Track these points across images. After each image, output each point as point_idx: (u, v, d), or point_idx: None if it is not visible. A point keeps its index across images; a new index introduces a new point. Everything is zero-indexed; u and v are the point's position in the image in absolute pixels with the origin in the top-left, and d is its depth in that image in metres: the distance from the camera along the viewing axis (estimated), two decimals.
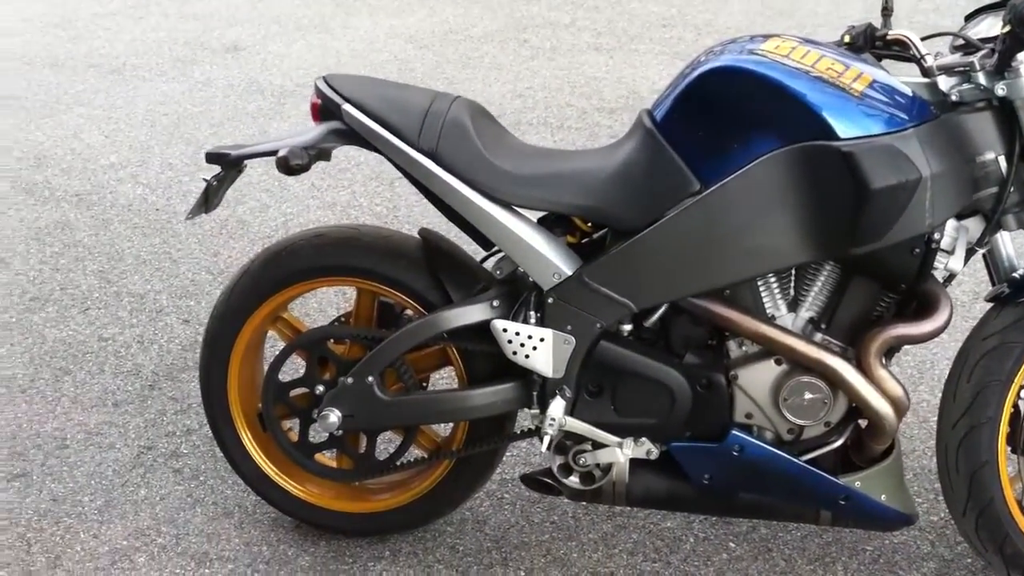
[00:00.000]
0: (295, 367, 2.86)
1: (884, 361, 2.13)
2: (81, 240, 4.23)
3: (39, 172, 4.94)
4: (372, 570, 2.51)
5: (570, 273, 2.17)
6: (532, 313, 2.22)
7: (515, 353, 2.22)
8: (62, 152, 5.17)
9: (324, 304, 3.67)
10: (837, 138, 1.96)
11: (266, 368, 2.47)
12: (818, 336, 2.16)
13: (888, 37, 2.21)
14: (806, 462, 2.18)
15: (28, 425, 3.08)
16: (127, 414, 3.12)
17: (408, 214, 4.33)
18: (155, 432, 3.04)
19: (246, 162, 2.35)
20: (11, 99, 5.97)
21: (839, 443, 2.21)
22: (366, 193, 4.56)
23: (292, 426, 2.52)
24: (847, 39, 2.23)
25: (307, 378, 2.41)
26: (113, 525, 2.67)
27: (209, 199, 2.35)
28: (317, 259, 2.36)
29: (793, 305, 2.18)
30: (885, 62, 2.22)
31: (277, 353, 2.42)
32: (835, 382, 2.12)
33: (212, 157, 2.31)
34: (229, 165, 2.33)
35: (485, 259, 2.41)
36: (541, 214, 2.27)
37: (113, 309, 3.71)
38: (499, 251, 2.29)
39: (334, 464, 2.54)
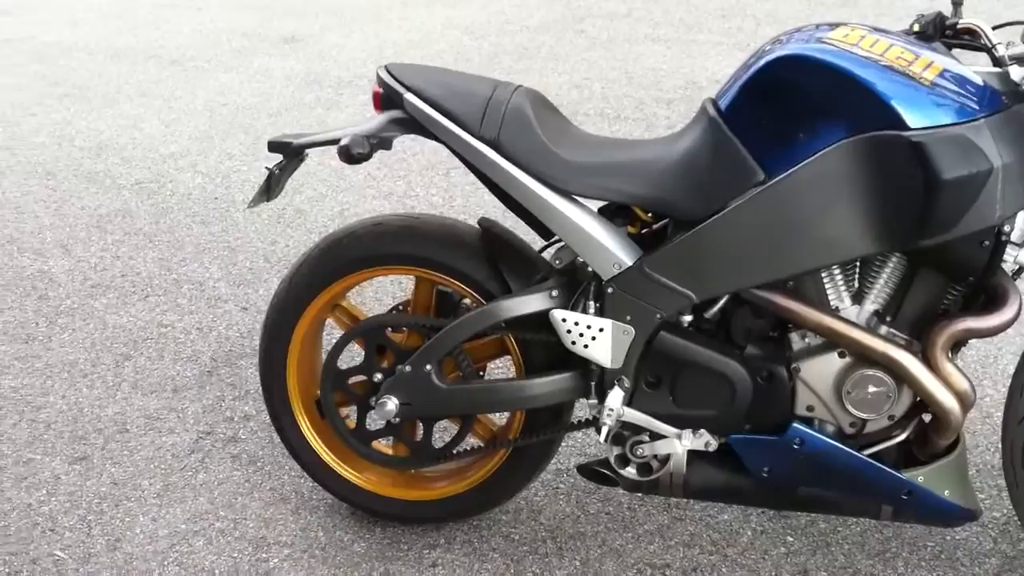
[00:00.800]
0: (353, 355, 2.88)
1: (950, 355, 2.10)
2: (141, 228, 4.29)
3: (100, 161, 5.01)
4: (427, 558, 2.52)
5: (630, 263, 2.15)
6: (591, 303, 2.21)
7: (574, 343, 2.21)
8: (123, 141, 5.25)
9: (380, 293, 3.69)
10: (907, 128, 1.92)
11: (324, 356, 2.48)
12: (883, 329, 2.12)
13: (958, 26, 2.17)
14: (868, 456, 2.15)
15: (89, 409, 3.13)
16: (186, 400, 3.16)
17: (464, 203, 4.34)
18: (213, 418, 3.07)
19: (307, 151, 2.36)
20: (73, 89, 6.07)
21: (902, 437, 2.18)
22: (422, 183, 4.57)
23: (349, 413, 2.53)
24: (916, 28, 2.19)
25: (365, 366, 2.42)
26: (172, 509, 2.70)
27: (271, 187, 2.36)
28: (377, 247, 2.36)
29: (858, 297, 2.15)
30: (955, 51, 2.18)
31: (335, 341, 2.43)
32: (900, 376, 2.08)
33: (274, 146, 2.32)
34: (291, 154, 2.34)
35: (544, 248, 2.40)
36: (602, 204, 2.25)
37: (173, 296, 3.75)
38: (559, 241, 2.28)
39: (391, 452, 2.54)
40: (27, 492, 2.77)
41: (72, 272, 3.94)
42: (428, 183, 4.56)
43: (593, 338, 2.19)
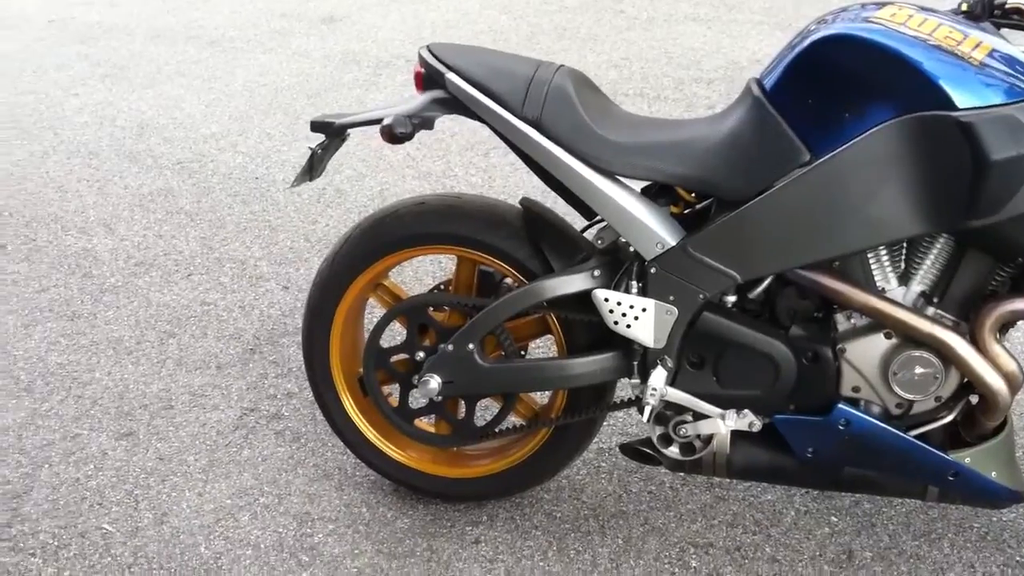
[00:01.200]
0: (394, 334, 2.90)
1: (998, 336, 2.08)
2: (183, 207, 4.32)
3: (142, 141, 5.05)
4: (469, 535, 2.54)
5: (673, 243, 2.15)
6: (634, 283, 2.20)
7: (616, 323, 2.21)
8: (164, 121, 5.28)
9: (420, 273, 3.70)
10: (955, 108, 1.90)
11: (367, 334, 2.50)
12: (930, 310, 2.11)
13: (1007, 6, 2.14)
14: (915, 437, 2.14)
15: (135, 386, 3.16)
16: (230, 377, 3.19)
17: (504, 184, 4.33)
18: (257, 395, 3.10)
19: (349, 131, 2.37)
20: (114, 69, 6.11)
21: (949, 419, 2.17)
22: (462, 163, 4.58)
23: (392, 391, 2.55)
24: (964, 7, 2.16)
25: (407, 344, 2.43)
26: (217, 484, 2.74)
27: (314, 167, 2.37)
28: (419, 227, 2.37)
29: (904, 278, 2.13)
30: (1004, 31, 2.15)
31: (378, 319, 2.45)
32: (947, 357, 2.07)
33: (317, 126, 2.33)
34: (333, 134, 2.35)
35: (586, 228, 2.40)
36: (645, 184, 2.25)
37: (215, 275, 3.78)
38: (601, 220, 2.28)
39: (433, 429, 2.56)
40: (75, 467, 2.82)
41: (115, 251, 3.98)
42: (467, 163, 4.56)
43: (636, 318, 2.19)
